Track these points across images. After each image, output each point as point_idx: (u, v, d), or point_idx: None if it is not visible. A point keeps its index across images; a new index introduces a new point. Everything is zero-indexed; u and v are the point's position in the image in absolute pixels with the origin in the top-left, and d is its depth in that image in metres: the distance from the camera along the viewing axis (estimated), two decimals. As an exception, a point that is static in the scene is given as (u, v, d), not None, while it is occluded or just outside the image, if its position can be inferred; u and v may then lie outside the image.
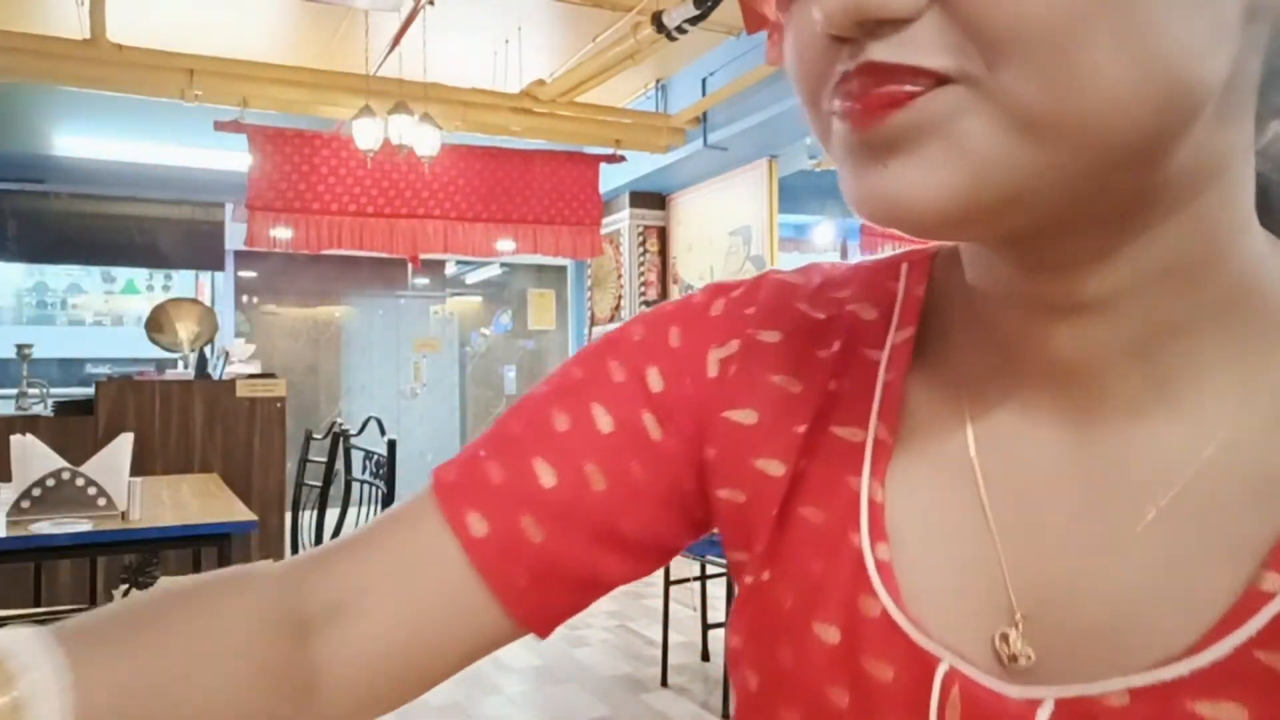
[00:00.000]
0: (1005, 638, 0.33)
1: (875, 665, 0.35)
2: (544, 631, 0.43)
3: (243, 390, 4.27)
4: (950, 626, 0.34)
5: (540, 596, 0.42)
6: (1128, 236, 0.31)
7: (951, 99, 0.27)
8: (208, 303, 6.45)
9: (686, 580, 3.77)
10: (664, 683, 3.39)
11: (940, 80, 0.27)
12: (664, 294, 6.60)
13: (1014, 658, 0.32)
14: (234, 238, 6.46)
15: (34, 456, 2.09)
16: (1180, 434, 0.33)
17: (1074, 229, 0.30)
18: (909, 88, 0.27)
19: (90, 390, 4.13)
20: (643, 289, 6.58)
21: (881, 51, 0.27)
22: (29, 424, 3.67)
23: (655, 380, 0.43)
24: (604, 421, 0.43)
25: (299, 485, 3.13)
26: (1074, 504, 0.34)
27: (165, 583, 0.40)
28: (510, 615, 0.41)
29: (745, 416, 0.42)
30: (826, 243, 7.38)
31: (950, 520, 0.36)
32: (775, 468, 0.40)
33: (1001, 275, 0.34)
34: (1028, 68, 0.26)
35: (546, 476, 0.41)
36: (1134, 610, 0.31)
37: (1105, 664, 0.31)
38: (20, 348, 4.47)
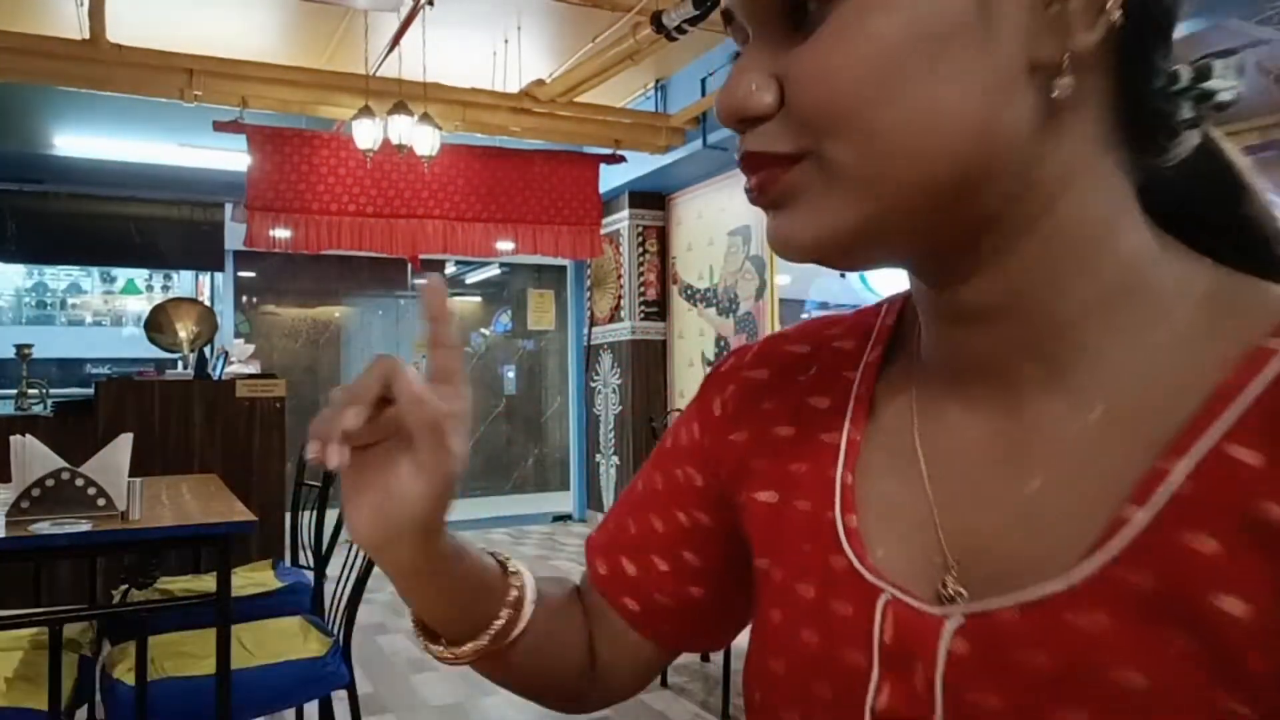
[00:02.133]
0: (944, 583, 0.41)
1: (839, 605, 0.44)
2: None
3: (242, 390, 4.27)
4: (902, 574, 0.43)
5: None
6: (990, 257, 0.39)
7: (805, 174, 0.38)
8: (207, 303, 6.45)
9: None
10: (664, 683, 3.39)
11: (796, 158, 0.38)
12: (664, 294, 6.60)
13: (951, 597, 0.40)
14: (234, 238, 6.46)
15: (33, 457, 2.09)
16: (1072, 408, 0.40)
17: (943, 254, 0.40)
18: (777, 169, 0.39)
19: (90, 390, 4.13)
20: (642, 289, 6.58)
21: (752, 143, 0.40)
22: (29, 424, 3.67)
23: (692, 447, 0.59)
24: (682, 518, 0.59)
25: (299, 485, 3.12)
26: (988, 474, 0.42)
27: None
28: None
29: (740, 436, 0.55)
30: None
31: (901, 495, 0.45)
32: (769, 494, 0.52)
33: (922, 294, 0.45)
34: (840, 143, 0.37)
35: (661, 563, 0.58)
36: (1031, 549, 0.39)
37: (1008, 592, 0.38)
38: (20, 348, 4.47)
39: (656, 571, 0.57)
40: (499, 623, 0.52)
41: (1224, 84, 0.40)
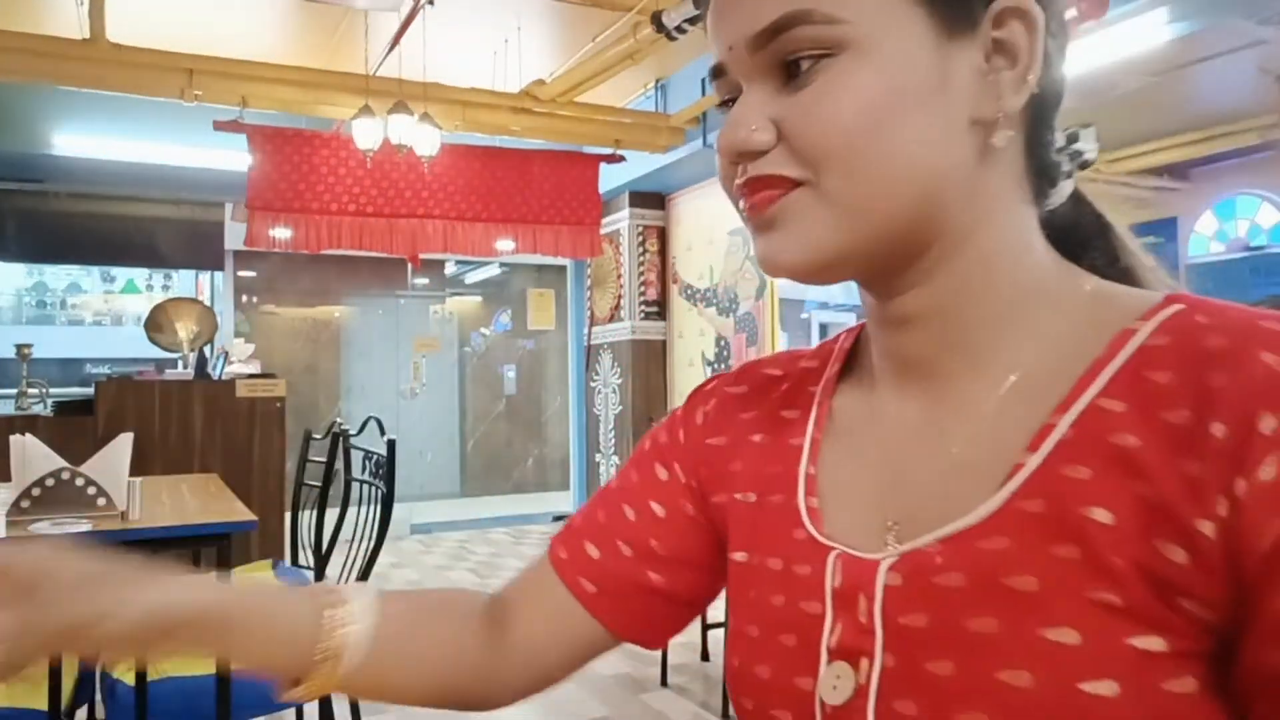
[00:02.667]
0: (885, 541, 0.50)
1: (799, 568, 0.53)
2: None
3: (242, 390, 4.27)
4: (851, 536, 0.52)
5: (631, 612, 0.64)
6: (927, 271, 0.49)
7: (801, 199, 0.47)
8: (207, 302, 6.45)
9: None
10: (664, 683, 3.40)
11: (794, 184, 0.47)
12: (664, 294, 6.60)
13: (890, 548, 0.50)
14: (233, 238, 6.46)
15: (33, 456, 2.09)
16: (985, 387, 0.50)
17: (891, 270, 0.50)
18: (776, 191, 0.47)
19: (90, 390, 4.13)
20: (642, 289, 6.58)
21: (755, 168, 0.48)
22: (29, 424, 3.67)
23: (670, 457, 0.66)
24: (658, 509, 0.65)
25: (299, 485, 3.12)
26: (920, 448, 0.52)
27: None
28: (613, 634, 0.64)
29: (719, 441, 0.63)
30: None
31: (853, 477, 0.55)
32: (747, 494, 0.60)
33: (870, 306, 0.54)
34: (836, 174, 0.46)
35: (626, 548, 0.64)
36: (953, 498, 0.48)
37: (932, 532, 0.48)
38: (20, 348, 4.47)
39: (620, 556, 0.63)
40: (346, 629, 0.55)
41: (1087, 146, 0.54)
